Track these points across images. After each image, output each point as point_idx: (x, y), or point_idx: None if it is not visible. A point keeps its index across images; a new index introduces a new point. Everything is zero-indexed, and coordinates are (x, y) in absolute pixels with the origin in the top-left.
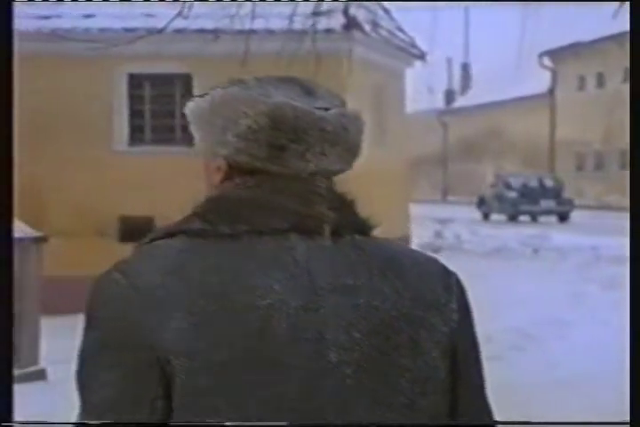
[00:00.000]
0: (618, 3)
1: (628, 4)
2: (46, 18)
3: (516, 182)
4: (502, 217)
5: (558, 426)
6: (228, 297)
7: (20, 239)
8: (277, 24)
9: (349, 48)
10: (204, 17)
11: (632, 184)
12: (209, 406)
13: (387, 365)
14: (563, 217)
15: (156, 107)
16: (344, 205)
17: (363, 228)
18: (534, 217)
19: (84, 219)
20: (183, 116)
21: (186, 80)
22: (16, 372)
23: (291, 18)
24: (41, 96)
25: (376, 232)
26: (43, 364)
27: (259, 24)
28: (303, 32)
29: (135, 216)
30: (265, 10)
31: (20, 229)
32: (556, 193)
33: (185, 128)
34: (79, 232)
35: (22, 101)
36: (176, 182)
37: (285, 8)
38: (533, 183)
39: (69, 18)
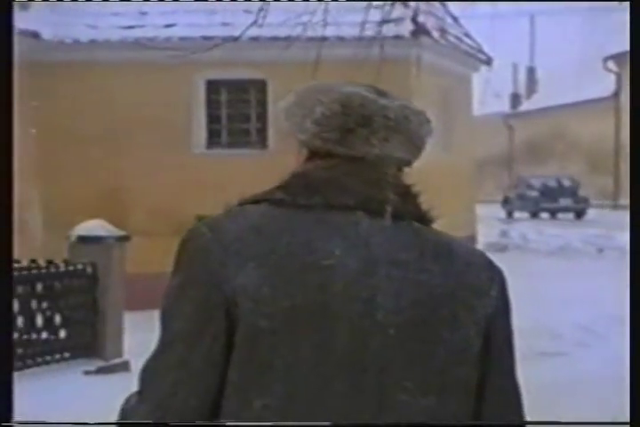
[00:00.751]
0: None
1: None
2: (130, 28)
3: (536, 183)
4: (525, 214)
5: (559, 426)
6: (296, 255)
7: (105, 238)
8: (348, 31)
9: (417, 54)
10: (277, 25)
11: (632, 184)
12: (266, 344)
13: (427, 333)
14: (579, 214)
15: (232, 111)
16: (408, 195)
17: (422, 217)
18: (553, 214)
19: (163, 219)
20: (258, 119)
21: (260, 85)
22: (102, 364)
23: (362, 25)
24: (124, 102)
25: (443, 230)
26: (126, 356)
27: (330, 31)
28: (372, 38)
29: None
30: (336, 18)
31: (104, 228)
32: (572, 192)
33: (259, 131)
34: (159, 231)
35: (106, 108)
36: (250, 183)
37: (356, 16)
38: (552, 183)
39: (151, 27)
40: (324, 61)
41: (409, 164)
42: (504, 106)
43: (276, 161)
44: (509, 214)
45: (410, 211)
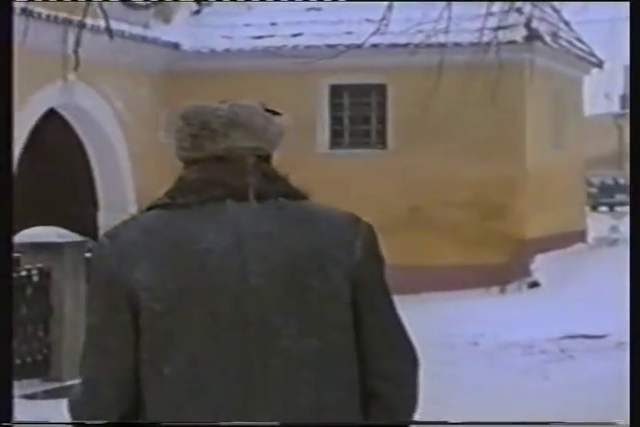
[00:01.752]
0: None
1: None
2: (260, 38)
3: (596, 181)
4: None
5: (560, 426)
6: (177, 247)
7: None
8: (465, 38)
9: (531, 58)
10: (397, 33)
11: (632, 184)
12: (164, 323)
13: (297, 286)
14: None
15: (354, 114)
16: (276, 177)
17: (290, 194)
18: (611, 208)
19: None
20: (378, 121)
21: (381, 89)
22: None
23: (481, 31)
24: None
25: (556, 227)
26: None
27: (448, 38)
28: (488, 44)
29: None
30: (454, 25)
31: None
32: (627, 188)
33: (379, 132)
34: None
35: None
36: (369, 181)
37: (473, 23)
38: (609, 181)
39: (280, 37)
40: (441, 66)
41: (265, 151)
42: (614, 106)
43: (394, 160)
44: None
45: (277, 190)
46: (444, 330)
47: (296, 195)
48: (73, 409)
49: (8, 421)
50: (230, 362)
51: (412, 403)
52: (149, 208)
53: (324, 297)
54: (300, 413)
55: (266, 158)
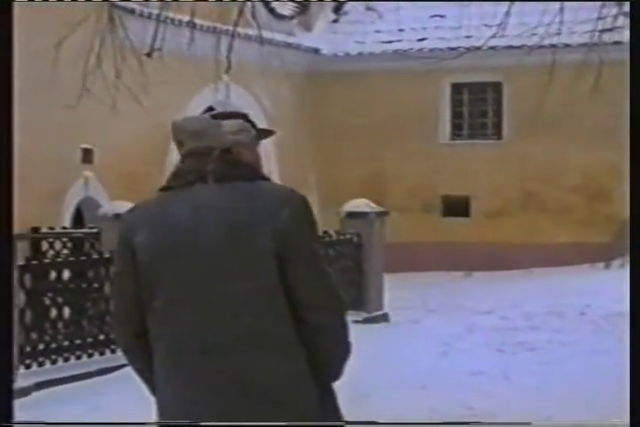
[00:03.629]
0: None
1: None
2: (389, 42)
3: None
4: None
5: (560, 425)
6: (161, 218)
7: (368, 213)
8: (574, 39)
9: None
10: (512, 36)
11: (632, 184)
12: (153, 269)
13: (235, 243)
14: None
15: (472, 109)
16: (235, 164)
17: (247, 176)
18: None
19: (415, 198)
20: (494, 115)
21: (497, 87)
22: (366, 315)
23: (591, 34)
24: (385, 102)
25: None
26: (386, 309)
27: (559, 39)
28: (595, 45)
29: (454, 195)
30: (565, 29)
31: (368, 205)
32: None
33: (495, 125)
34: (412, 208)
35: (372, 107)
36: (487, 169)
37: (582, 26)
38: None
39: (407, 41)
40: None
41: (220, 147)
42: None
43: (509, 150)
44: None
45: (237, 174)
46: (554, 301)
47: (253, 177)
48: (112, 328)
49: (8, 421)
50: (191, 298)
51: (333, 327)
52: (155, 192)
53: (254, 252)
54: (243, 334)
55: (228, 150)
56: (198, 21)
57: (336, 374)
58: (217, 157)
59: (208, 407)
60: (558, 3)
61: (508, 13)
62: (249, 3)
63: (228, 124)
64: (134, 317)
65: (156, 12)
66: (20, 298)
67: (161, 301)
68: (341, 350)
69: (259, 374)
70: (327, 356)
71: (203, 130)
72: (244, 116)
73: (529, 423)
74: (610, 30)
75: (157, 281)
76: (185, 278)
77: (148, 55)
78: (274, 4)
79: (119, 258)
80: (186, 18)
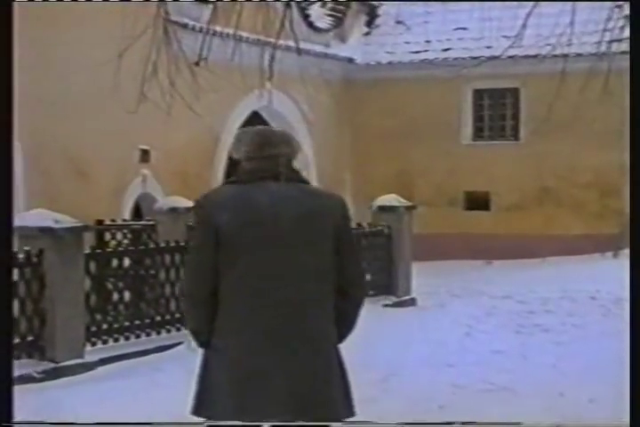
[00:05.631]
0: None
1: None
2: (417, 52)
3: None
4: None
5: (560, 425)
6: (243, 204)
7: (397, 207)
8: (585, 49)
9: None
10: (528, 46)
11: (632, 184)
12: (233, 243)
13: (305, 227)
14: None
15: (492, 112)
16: (294, 170)
17: (302, 180)
18: None
19: (440, 193)
20: (512, 118)
21: (515, 92)
22: (396, 299)
23: (598, 44)
24: (413, 107)
25: None
26: (414, 294)
27: (570, 49)
28: (603, 54)
29: (475, 191)
30: (576, 39)
31: (397, 200)
32: None
33: (512, 127)
34: (437, 203)
35: (402, 111)
36: (506, 167)
37: (592, 37)
38: None
39: (433, 52)
40: (566, 73)
41: (291, 155)
42: None
43: (526, 150)
44: None
45: (295, 177)
46: (567, 287)
47: (304, 181)
48: (185, 289)
49: (8, 421)
50: (267, 266)
51: (361, 299)
52: (225, 184)
53: (319, 236)
54: (307, 297)
55: (290, 158)
56: (244, 34)
57: (351, 329)
58: (284, 162)
59: (275, 356)
60: (569, 17)
61: (524, 26)
62: (289, 17)
63: (292, 139)
64: (210, 279)
65: (205, 26)
66: (86, 283)
67: (241, 267)
68: (359, 313)
69: (313, 326)
70: (351, 317)
71: (279, 140)
72: None
73: (520, 423)
74: (617, 41)
75: (239, 251)
76: (264, 250)
77: (196, 64)
78: (312, 18)
79: (201, 233)
80: (232, 31)
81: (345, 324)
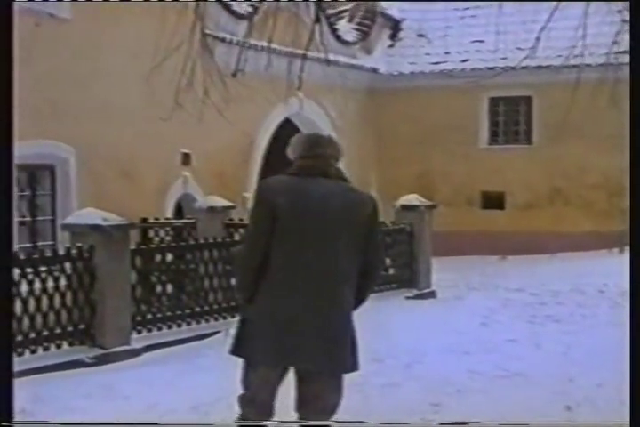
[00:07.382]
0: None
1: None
2: (437, 63)
3: None
4: None
5: (560, 425)
6: (298, 193)
7: (419, 206)
8: (594, 60)
9: None
10: (542, 58)
11: (632, 184)
12: (287, 226)
13: (346, 218)
14: None
15: (507, 119)
16: (338, 170)
17: (344, 178)
18: None
19: (459, 193)
20: (525, 124)
21: (528, 100)
22: (417, 292)
23: (608, 55)
24: (434, 114)
25: None
26: (434, 287)
27: (581, 61)
28: (612, 65)
29: (492, 191)
30: (587, 51)
31: (419, 200)
32: None
33: (526, 132)
34: (456, 202)
35: (423, 118)
36: (519, 169)
37: (601, 49)
38: None
39: (452, 63)
40: (572, 82)
41: (337, 156)
42: None
43: (538, 153)
44: None
45: (339, 176)
46: (576, 280)
47: (346, 179)
48: (237, 258)
49: (8, 421)
50: (312, 245)
51: (378, 277)
52: (283, 175)
53: (355, 225)
54: (339, 272)
55: (337, 159)
56: (275, 46)
57: (364, 300)
58: (331, 162)
59: (308, 314)
60: (581, 30)
61: (538, 39)
62: (318, 30)
63: (339, 144)
64: (260, 252)
65: (241, 39)
66: (132, 276)
67: (290, 243)
68: (372, 289)
69: (340, 295)
70: (367, 290)
71: (327, 143)
72: None
73: (527, 423)
74: (624, 53)
75: (290, 231)
76: (311, 232)
77: (234, 75)
78: (340, 32)
79: (260, 211)
80: (264, 44)
81: (361, 296)
